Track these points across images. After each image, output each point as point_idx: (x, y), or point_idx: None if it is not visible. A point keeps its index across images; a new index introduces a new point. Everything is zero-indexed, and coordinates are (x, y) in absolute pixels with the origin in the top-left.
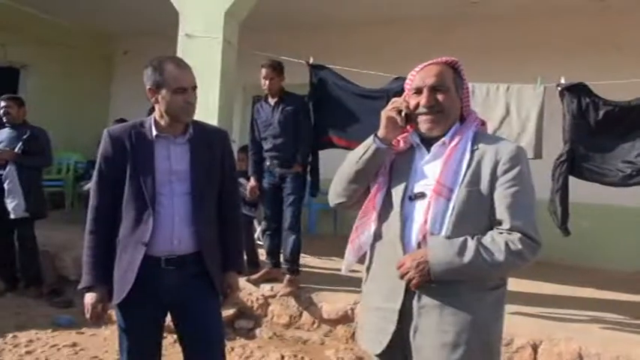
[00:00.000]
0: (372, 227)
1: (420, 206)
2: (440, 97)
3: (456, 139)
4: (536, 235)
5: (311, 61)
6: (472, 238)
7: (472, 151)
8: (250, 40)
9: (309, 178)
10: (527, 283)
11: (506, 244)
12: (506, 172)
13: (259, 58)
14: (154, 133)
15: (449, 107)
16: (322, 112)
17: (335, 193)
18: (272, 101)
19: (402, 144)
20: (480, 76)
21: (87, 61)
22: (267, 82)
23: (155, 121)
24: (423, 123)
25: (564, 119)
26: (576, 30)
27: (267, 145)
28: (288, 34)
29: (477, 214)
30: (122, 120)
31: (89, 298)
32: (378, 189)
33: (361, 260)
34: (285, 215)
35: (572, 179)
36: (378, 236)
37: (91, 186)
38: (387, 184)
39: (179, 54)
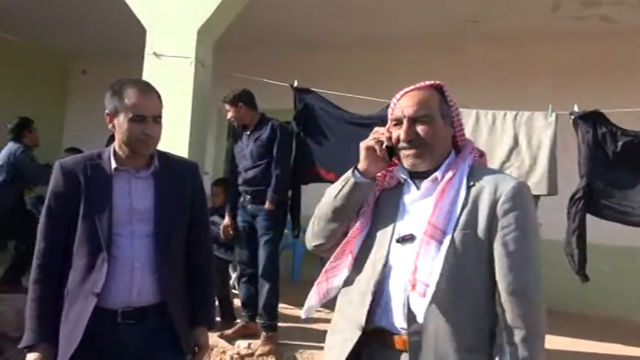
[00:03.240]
0: (345, 273)
1: (408, 251)
2: (420, 128)
3: (450, 174)
4: (537, 294)
5: (295, 84)
6: None
7: (468, 188)
8: (226, 60)
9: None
10: None
11: (524, 340)
12: (506, 213)
13: (236, 79)
14: (113, 165)
15: (432, 140)
16: (308, 142)
17: (312, 234)
18: (248, 130)
19: (388, 179)
20: (482, 101)
21: (39, 82)
22: (230, 117)
23: (114, 152)
24: (406, 158)
25: (579, 151)
26: (586, 53)
27: (240, 179)
28: (269, 53)
29: (473, 260)
30: (74, 149)
31: (32, 358)
32: (358, 230)
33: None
34: (259, 260)
35: (590, 218)
36: (349, 284)
37: (39, 226)
38: (369, 224)
39: (145, 75)
